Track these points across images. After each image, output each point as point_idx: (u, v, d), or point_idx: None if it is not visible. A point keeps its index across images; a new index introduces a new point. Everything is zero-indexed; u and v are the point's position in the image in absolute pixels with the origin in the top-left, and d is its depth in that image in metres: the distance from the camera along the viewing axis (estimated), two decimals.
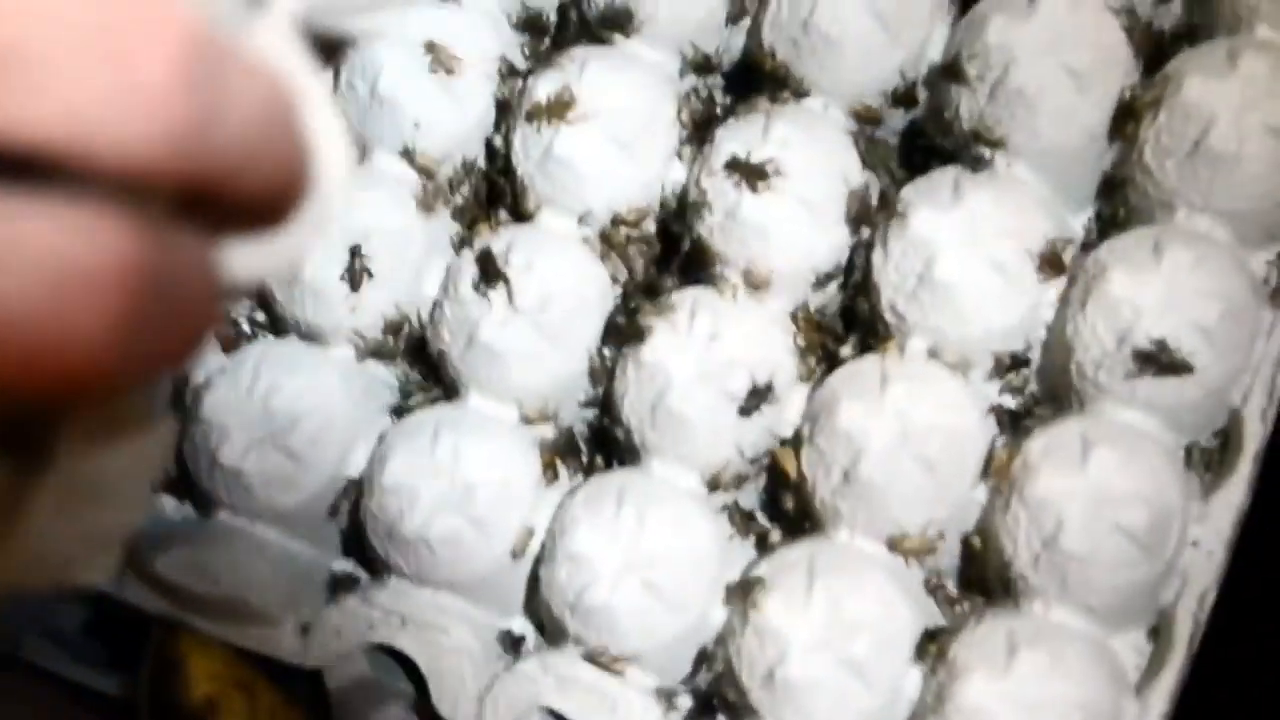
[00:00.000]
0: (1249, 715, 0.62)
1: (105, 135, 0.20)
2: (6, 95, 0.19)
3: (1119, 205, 0.62)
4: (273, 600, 0.62)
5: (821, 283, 0.63)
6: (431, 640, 0.61)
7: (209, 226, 0.23)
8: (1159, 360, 0.56)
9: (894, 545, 0.58)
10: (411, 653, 0.61)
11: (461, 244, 0.66)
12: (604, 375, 0.63)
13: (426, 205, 0.65)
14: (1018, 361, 0.60)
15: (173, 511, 0.65)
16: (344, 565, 0.64)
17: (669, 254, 0.65)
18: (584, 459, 0.64)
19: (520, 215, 0.65)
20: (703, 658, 0.60)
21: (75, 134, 0.19)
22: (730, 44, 0.67)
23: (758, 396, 0.60)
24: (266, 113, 0.22)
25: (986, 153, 0.61)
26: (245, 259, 0.24)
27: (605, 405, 0.63)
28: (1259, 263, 0.59)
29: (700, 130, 0.65)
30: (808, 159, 0.62)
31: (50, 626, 0.66)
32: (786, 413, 0.61)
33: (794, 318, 0.62)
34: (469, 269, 0.63)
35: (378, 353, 0.65)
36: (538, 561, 0.61)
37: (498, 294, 0.62)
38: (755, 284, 0.62)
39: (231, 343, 0.66)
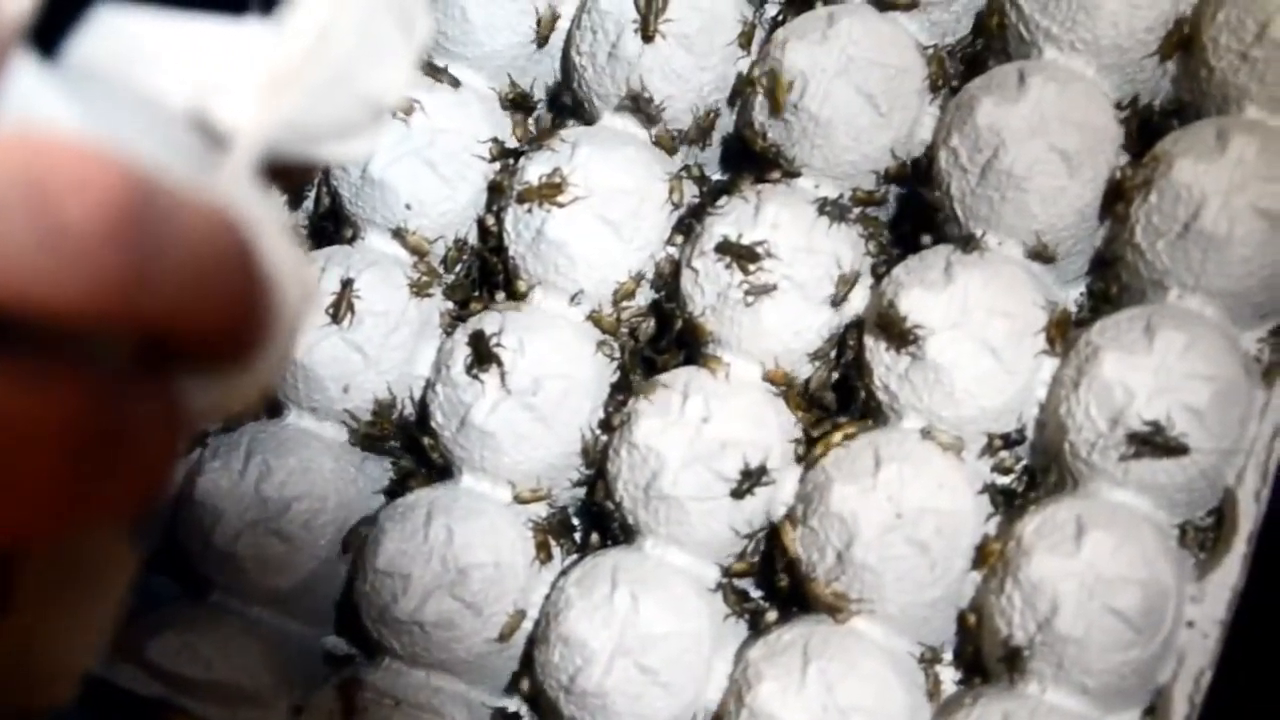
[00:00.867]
0: None
1: (34, 284, 0.19)
2: None
3: (1111, 282, 0.62)
4: (265, 683, 0.62)
5: (812, 361, 0.63)
6: None
7: (164, 367, 0.23)
8: (1153, 442, 0.56)
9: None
10: None
11: (454, 322, 0.66)
12: (597, 454, 0.63)
13: (419, 286, 0.65)
14: (1010, 441, 0.60)
15: (166, 593, 0.65)
16: (338, 645, 0.64)
17: (661, 332, 0.65)
18: (577, 536, 0.64)
19: (513, 295, 0.65)
20: None
21: (3, 283, 0.19)
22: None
23: (750, 478, 0.60)
24: (215, 252, 0.22)
25: (978, 232, 0.61)
26: (206, 394, 0.24)
27: (598, 485, 0.63)
28: (1250, 341, 0.60)
29: (693, 211, 0.65)
30: (798, 240, 0.62)
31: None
32: (781, 492, 0.61)
33: (786, 398, 0.62)
34: (461, 351, 0.63)
35: (370, 435, 0.65)
36: (531, 642, 0.61)
37: (490, 376, 0.62)
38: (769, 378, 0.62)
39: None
